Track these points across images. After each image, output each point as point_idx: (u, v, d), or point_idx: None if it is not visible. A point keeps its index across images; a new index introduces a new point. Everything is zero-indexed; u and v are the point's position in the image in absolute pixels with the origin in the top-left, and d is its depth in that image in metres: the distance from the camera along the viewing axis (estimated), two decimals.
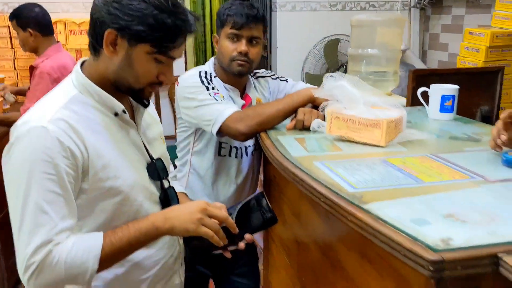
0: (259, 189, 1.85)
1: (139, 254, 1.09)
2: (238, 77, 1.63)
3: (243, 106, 1.65)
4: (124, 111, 1.07)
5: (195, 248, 1.13)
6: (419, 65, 3.67)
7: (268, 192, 1.61)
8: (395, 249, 0.76)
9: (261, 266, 1.95)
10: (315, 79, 3.86)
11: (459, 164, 1.09)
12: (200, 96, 1.52)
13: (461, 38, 3.57)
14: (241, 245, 1.10)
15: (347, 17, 3.98)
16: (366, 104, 1.31)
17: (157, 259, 1.15)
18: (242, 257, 1.82)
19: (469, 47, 2.52)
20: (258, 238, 1.96)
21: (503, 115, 1.13)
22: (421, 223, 0.79)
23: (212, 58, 1.71)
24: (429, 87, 1.58)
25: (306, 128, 1.43)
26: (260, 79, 1.76)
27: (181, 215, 1.01)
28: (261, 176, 1.81)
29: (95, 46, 1.03)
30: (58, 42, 2.73)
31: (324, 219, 1.16)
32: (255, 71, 1.76)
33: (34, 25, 2.58)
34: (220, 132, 1.49)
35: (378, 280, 0.91)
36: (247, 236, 1.09)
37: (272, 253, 1.71)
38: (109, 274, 1.06)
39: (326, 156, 1.19)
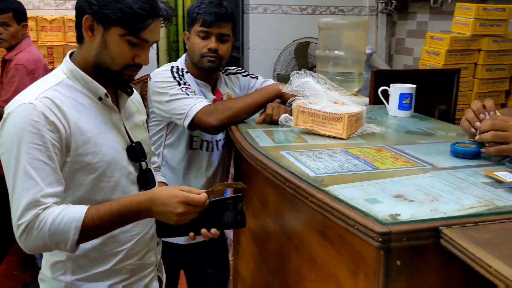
0: (231, 182, 1.92)
1: None
2: (209, 72, 1.70)
3: (214, 101, 1.72)
4: (106, 95, 1.16)
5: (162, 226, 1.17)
6: (385, 68, 3.81)
7: None
8: (350, 224, 0.84)
9: (231, 257, 2.02)
10: (286, 80, 3.94)
11: (411, 154, 1.19)
12: (171, 91, 1.59)
13: (425, 43, 3.74)
14: (205, 235, 1.16)
15: (317, 21, 4.08)
16: (330, 100, 1.41)
17: (132, 234, 1.23)
18: (212, 249, 1.88)
19: (430, 51, 2.66)
20: (229, 231, 2.03)
21: (475, 107, 1.22)
22: (373, 202, 0.88)
23: (184, 55, 1.78)
24: (387, 87, 1.69)
25: (275, 122, 1.51)
26: (231, 75, 1.84)
27: (164, 212, 1.07)
28: (232, 170, 1.88)
29: (79, 34, 1.14)
30: (28, 36, 2.77)
31: (289, 205, 1.25)
32: (226, 68, 1.84)
33: (26, 18, 2.64)
34: (192, 125, 1.56)
35: (338, 258, 0.99)
36: (213, 230, 1.16)
37: (241, 244, 1.78)
38: (86, 244, 1.12)
39: (292, 146, 1.28)
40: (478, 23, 2.51)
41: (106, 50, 1.12)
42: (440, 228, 0.79)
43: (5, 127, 1.06)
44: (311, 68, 3.89)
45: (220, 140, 1.76)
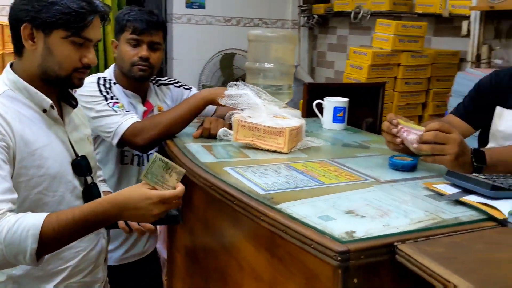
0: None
1: None
2: (139, 82, 1.63)
3: (145, 113, 1.65)
4: (52, 106, 1.11)
5: None
6: (309, 80, 3.92)
7: None
8: (306, 243, 0.82)
9: (164, 277, 1.94)
10: None
11: (353, 167, 1.20)
12: (98, 106, 1.50)
13: (345, 57, 3.90)
14: (138, 229, 1.17)
15: (241, 32, 4.13)
16: (269, 113, 1.39)
17: (77, 250, 1.17)
18: (145, 269, 1.80)
19: (353, 65, 2.77)
20: (161, 248, 1.95)
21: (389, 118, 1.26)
22: (327, 219, 0.87)
23: (113, 65, 1.69)
24: (321, 100, 1.72)
25: (213, 137, 1.47)
26: (162, 86, 1.77)
27: (138, 216, 1.01)
28: None
29: (17, 46, 1.09)
30: None
31: (232, 222, 1.21)
32: (158, 78, 1.77)
33: None
34: (121, 143, 1.48)
35: (288, 276, 0.97)
36: (147, 225, 1.14)
37: (176, 263, 1.71)
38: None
39: (234, 162, 1.25)
40: (397, 39, 2.66)
41: (51, 56, 1.07)
42: (395, 244, 0.80)
43: None
44: (237, 79, 3.90)
45: (151, 154, 1.68)
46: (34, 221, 0.94)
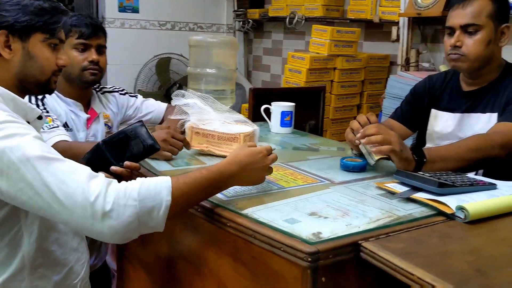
0: None
1: (72, 258, 1.12)
2: (86, 87, 1.60)
3: (88, 120, 1.61)
4: (40, 117, 1.07)
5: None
6: (246, 84, 3.97)
7: None
8: (275, 246, 0.85)
9: None
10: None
11: (307, 170, 1.25)
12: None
13: (281, 61, 3.98)
14: (119, 171, 1.11)
15: (177, 37, 4.10)
16: (220, 120, 1.41)
17: (83, 262, 1.16)
18: (95, 283, 1.74)
19: (292, 69, 2.84)
20: (110, 260, 1.89)
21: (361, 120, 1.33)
22: (292, 222, 0.90)
23: None
24: (265, 104, 1.76)
25: None
26: (107, 94, 1.73)
27: (256, 171, 1.03)
28: None
29: None
30: None
31: (190, 230, 1.21)
32: (102, 86, 1.73)
33: None
34: None
35: (253, 280, 0.99)
36: (127, 163, 1.10)
37: (128, 275, 1.67)
38: (48, 283, 1.05)
39: (192, 169, 1.25)
40: (333, 44, 2.76)
41: (32, 61, 1.03)
42: (359, 242, 0.84)
43: None
44: (174, 84, 3.86)
45: None
46: (161, 178, 0.92)
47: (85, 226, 0.87)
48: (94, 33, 1.55)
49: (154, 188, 0.90)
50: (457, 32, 1.41)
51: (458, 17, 1.41)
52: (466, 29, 1.39)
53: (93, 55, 1.55)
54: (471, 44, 1.39)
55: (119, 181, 0.94)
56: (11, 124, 0.92)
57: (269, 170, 1.06)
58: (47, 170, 0.87)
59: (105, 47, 1.62)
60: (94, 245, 1.66)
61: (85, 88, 1.60)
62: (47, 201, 0.87)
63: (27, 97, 1.45)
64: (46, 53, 1.06)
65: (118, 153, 1.10)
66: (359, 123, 1.29)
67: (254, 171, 1.02)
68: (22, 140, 0.89)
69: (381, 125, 1.24)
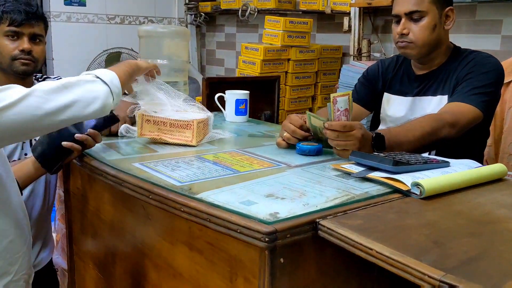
0: (58, 205, 1.72)
1: (15, 231, 1.10)
2: (21, 78, 1.50)
3: None
4: None
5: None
6: (200, 78, 3.91)
7: (71, 206, 1.51)
8: (231, 228, 0.82)
9: None
10: None
11: (263, 155, 1.22)
12: None
13: (235, 54, 3.96)
14: (84, 138, 1.21)
15: (126, 31, 3.99)
16: (173, 107, 1.36)
17: (24, 239, 1.17)
18: (39, 284, 1.65)
19: (246, 60, 2.82)
20: (59, 259, 1.80)
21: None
22: (249, 203, 0.87)
23: None
24: (222, 93, 1.72)
25: (114, 134, 1.40)
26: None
27: None
28: (60, 191, 1.68)
29: None
30: None
31: (142, 220, 1.16)
32: (45, 76, 1.64)
33: None
34: None
35: (210, 267, 0.96)
36: (90, 130, 1.21)
37: (79, 273, 1.59)
38: None
39: (143, 157, 1.20)
40: (286, 34, 2.76)
41: None
42: (317, 220, 0.82)
43: None
44: None
45: None
46: None
47: None
48: (26, 20, 1.44)
49: None
50: (403, 20, 1.43)
51: (402, 4, 1.43)
52: (411, 16, 1.41)
53: (24, 44, 1.45)
54: (417, 31, 1.41)
55: (83, 149, 1.21)
56: None
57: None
58: None
59: (41, 36, 1.51)
60: (38, 237, 1.57)
61: (21, 78, 1.50)
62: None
63: None
64: None
65: (78, 126, 1.20)
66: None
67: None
68: None
69: (344, 125, 1.18)
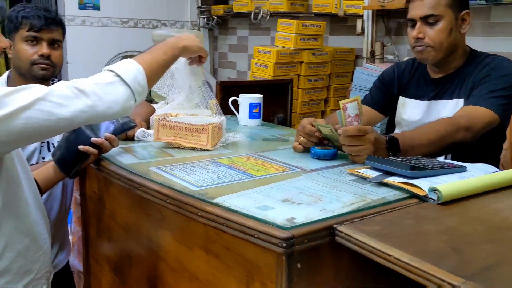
0: (74, 208, 1.74)
1: (35, 230, 1.13)
2: (40, 82, 1.52)
3: None
4: None
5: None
6: (212, 81, 3.92)
7: (87, 209, 1.52)
8: (249, 234, 0.82)
9: None
10: None
11: (278, 159, 1.23)
12: None
13: (247, 57, 3.96)
14: (101, 142, 1.22)
15: (140, 34, 4.03)
16: (187, 112, 1.38)
17: (44, 237, 1.19)
18: (56, 286, 1.67)
19: (258, 63, 2.82)
20: (75, 262, 1.82)
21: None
22: (265, 208, 0.88)
23: (7, 72, 1.56)
24: (235, 97, 1.73)
25: (130, 138, 1.41)
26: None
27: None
28: (76, 195, 1.70)
29: None
30: None
31: (159, 224, 1.17)
32: (62, 81, 1.66)
33: None
34: None
35: (226, 271, 0.96)
36: (106, 134, 1.22)
37: (95, 275, 1.61)
38: (11, 252, 1.06)
39: (159, 161, 1.21)
40: (298, 37, 2.76)
41: None
42: (334, 226, 0.82)
43: None
44: None
45: None
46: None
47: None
48: (46, 26, 1.47)
49: None
50: (418, 24, 1.42)
51: (417, 8, 1.41)
52: (427, 20, 1.40)
53: (43, 48, 1.48)
54: (433, 35, 1.40)
55: (99, 153, 1.20)
56: None
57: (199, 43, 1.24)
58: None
59: (59, 41, 1.54)
60: (55, 239, 1.59)
61: (39, 83, 1.52)
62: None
63: None
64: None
65: (95, 130, 1.22)
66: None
67: (186, 36, 1.21)
68: None
69: (358, 129, 1.17)
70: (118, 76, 1.00)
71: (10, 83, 1.52)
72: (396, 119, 1.58)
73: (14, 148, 1.02)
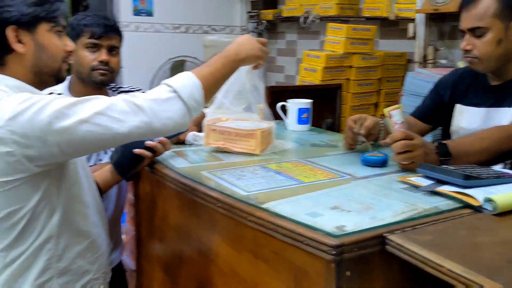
0: (127, 208, 1.80)
1: (94, 232, 1.18)
2: (99, 87, 1.59)
3: None
4: None
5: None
6: (260, 85, 3.95)
7: (140, 210, 1.58)
8: (298, 240, 0.83)
9: None
10: None
11: (327, 166, 1.23)
12: None
13: (295, 61, 3.97)
14: (154, 146, 1.27)
15: (190, 39, 4.11)
16: (236, 118, 1.40)
17: (103, 238, 1.25)
18: (110, 283, 1.73)
19: (307, 68, 2.82)
20: (128, 260, 1.89)
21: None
22: (315, 215, 0.88)
23: (68, 77, 1.64)
24: (284, 102, 1.74)
25: (181, 142, 1.45)
26: (123, 94, 1.73)
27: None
28: (130, 195, 1.76)
29: None
30: None
31: (209, 227, 1.19)
32: (119, 86, 1.73)
33: None
34: None
35: (274, 276, 0.97)
36: (160, 138, 1.26)
37: (146, 274, 1.66)
38: (71, 253, 1.10)
39: (210, 166, 1.24)
40: (348, 42, 2.74)
41: (44, 51, 1.05)
42: (384, 235, 0.82)
43: None
44: None
45: None
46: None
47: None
48: (105, 33, 1.54)
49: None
50: (467, 36, 1.39)
51: (465, 20, 1.38)
52: (474, 32, 1.37)
53: (103, 55, 1.55)
54: (481, 47, 1.36)
55: (153, 156, 1.24)
56: (36, 96, 0.96)
57: (261, 46, 1.22)
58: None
59: (118, 48, 1.61)
60: (110, 238, 1.66)
61: (98, 88, 1.59)
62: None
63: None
64: (55, 41, 1.06)
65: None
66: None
67: (246, 43, 1.18)
68: (53, 101, 0.94)
69: (405, 134, 1.19)
70: (175, 92, 1.02)
71: (71, 87, 1.60)
72: (452, 127, 1.54)
73: (72, 158, 1.07)
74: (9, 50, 1.01)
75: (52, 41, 1.06)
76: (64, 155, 0.98)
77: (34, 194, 1.01)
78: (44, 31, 1.04)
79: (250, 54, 1.18)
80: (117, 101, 0.98)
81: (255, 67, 1.34)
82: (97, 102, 0.97)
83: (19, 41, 1.01)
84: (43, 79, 1.07)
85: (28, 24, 1.01)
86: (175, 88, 1.02)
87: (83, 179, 1.13)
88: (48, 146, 0.94)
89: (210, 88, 1.08)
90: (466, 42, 1.39)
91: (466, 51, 1.40)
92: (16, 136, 0.92)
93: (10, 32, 0.99)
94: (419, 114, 1.60)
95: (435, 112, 1.58)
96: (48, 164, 0.99)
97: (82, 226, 1.13)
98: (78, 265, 1.13)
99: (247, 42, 1.18)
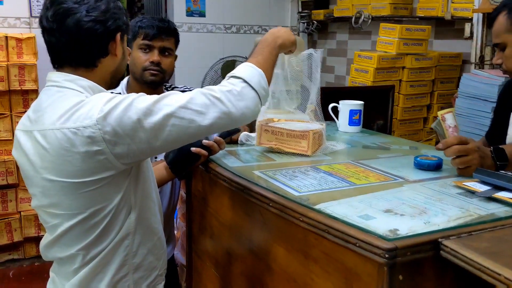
0: (180, 205, 1.85)
1: (159, 228, 1.23)
2: (151, 87, 1.64)
3: None
4: None
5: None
6: (309, 85, 3.94)
7: (192, 207, 1.62)
8: (350, 242, 0.83)
9: (184, 283, 1.93)
10: None
11: (379, 168, 1.22)
12: None
13: (345, 61, 3.92)
14: (211, 145, 1.31)
15: (241, 39, 4.16)
16: (288, 119, 1.41)
17: (162, 234, 1.28)
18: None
19: (358, 69, 2.79)
20: (179, 255, 1.94)
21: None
22: (367, 218, 0.88)
23: (126, 77, 1.71)
24: (335, 103, 1.73)
25: (234, 141, 1.48)
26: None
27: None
28: (182, 192, 1.81)
29: (90, 58, 1.07)
30: None
31: (260, 226, 1.21)
32: (173, 85, 1.79)
33: None
34: None
35: (324, 277, 0.98)
36: (216, 137, 1.31)
37: (196, 270, 1.70)
38: (144, 249, 1.16)
39: (262, 165, 1.26)
40: (401, 42, 2.68)
41: (125, 58, 1.14)
42: (439, 240, 0.81)
43: None
44: None
45: None
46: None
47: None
48: (158, 35, 1.59)
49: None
50: (497, 50, 1.41)
51: (492, 37, 1.43)
52: (499, 47, 1.40)
53: (154, 56, 1.60)
54: (506, 60, 1.38)
55: (209, 155, 1.29)
56: (118, 95, 1.01)
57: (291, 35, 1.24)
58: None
59: (170, 49, 1.65)
60: (164, 232, 1.72)
61: (152, 88, 1.65)
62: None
63: None
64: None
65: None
66: None
67: (278, 30, 1.21)
68: (135, 100, 0.99)
69: (459, 139, 1.17)
70: (245, 82, 1.05)
71: (128, 87, 1.67)
72: (508, 136, 1.48)
73: (157, 154, 1.10)
74: (106, 53, 1.08)
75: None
76: (152, 151, 1.02)
77: (116, 193, 1.05)
78: (125, 41, 1.13)
79: (286, 38, 1.20)
80: (196, 94, 1.01)
81: (289, 52, 1.36)
82: (178, 97, 1.00)
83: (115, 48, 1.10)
84: (113, 82, 1.13)
85: (124, 33, 1.10)
86: (244, 78, 1.05)
87: (151, 177, 1.18)
88: (137, 143, 0.97)
89: (269, 75, 1.11)
90: (496, 56, 1.43)
91: (498, 65, 1.43)
92: (107, 135, 0.96)
93: (118, 38, 1.08)
94: (489, 134, 1.57)
95: (499, 127, 1.54)
96: (133, 162, 1.03)
97: (153, 222, 1.18)
98: (149, 261, 1.17)
99: (278, 29, 1.22)
